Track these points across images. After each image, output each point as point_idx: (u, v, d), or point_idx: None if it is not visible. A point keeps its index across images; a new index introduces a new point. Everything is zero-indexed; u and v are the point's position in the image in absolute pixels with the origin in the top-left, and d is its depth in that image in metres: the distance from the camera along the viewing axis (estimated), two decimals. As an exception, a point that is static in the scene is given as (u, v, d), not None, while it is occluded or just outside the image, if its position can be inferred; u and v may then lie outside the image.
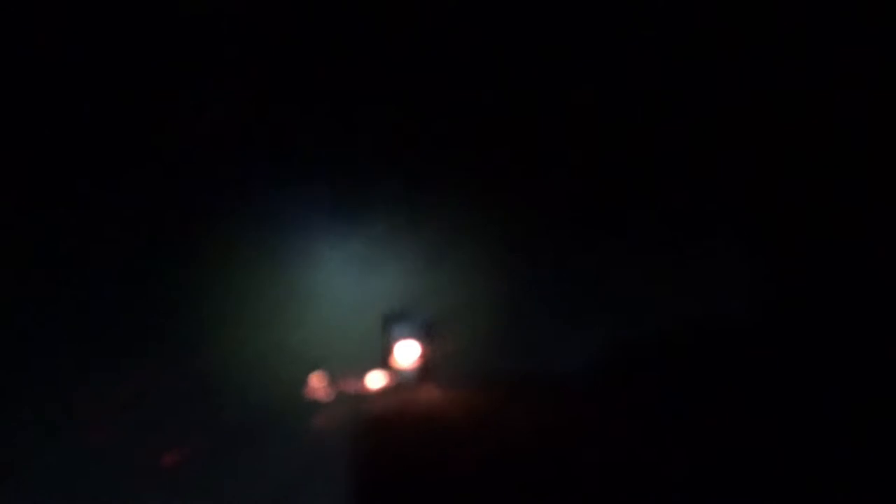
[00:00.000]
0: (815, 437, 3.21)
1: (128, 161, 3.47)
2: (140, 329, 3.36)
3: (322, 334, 3.38)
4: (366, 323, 3.39)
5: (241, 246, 3.42)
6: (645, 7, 3.44)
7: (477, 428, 3.24)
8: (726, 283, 3.40)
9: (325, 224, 3.46)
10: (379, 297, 3.42)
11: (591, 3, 3.45)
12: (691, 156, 3.44)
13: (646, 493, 3.20)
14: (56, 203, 3.43)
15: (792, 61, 3.43)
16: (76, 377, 3.31)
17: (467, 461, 3.20)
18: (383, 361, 3.37)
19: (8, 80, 3.42)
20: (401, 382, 3.36)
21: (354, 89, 3.46)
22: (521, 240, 3.45)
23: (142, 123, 3.45)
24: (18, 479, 3.19)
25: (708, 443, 3.20)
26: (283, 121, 3.48)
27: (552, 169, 3.46)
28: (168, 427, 3.27)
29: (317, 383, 3.35)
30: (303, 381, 3.35)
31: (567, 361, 3.34)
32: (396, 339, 3.36)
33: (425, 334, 3.37)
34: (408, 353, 3.36)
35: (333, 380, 3.36)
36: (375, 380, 3.36)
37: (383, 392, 3.36)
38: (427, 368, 3.35)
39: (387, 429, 3.31)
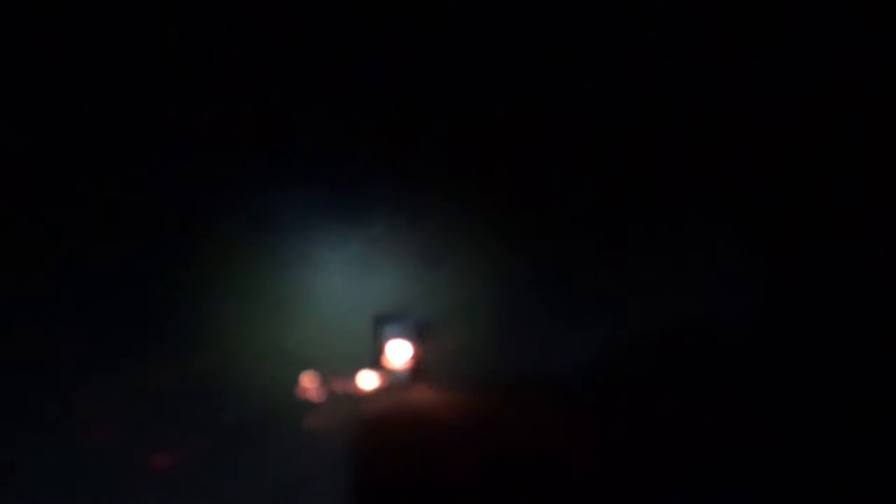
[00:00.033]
0: (815, 437, 3.21)
1: (128, 161, 3.47)
2: (140, 329, 3.36)
3: (319, 335, 3.38)
4: (362, 324, 3.39)
5: (240, 246, 3.42)
6: (645, 7, 3.44)
7: (471, 428, 3.24)
8: (726, 283, 3.40)
9: (323, 225, 3.46)
10: (378, 298, 3.42)
11: (591, 3, 3.45)
12: (691, 156, 3.44)
13: (646, 494, 3.19)
14: (56, 203, 3.44)
15: (792, 61, 3.43)
16: (76, 377, 3.31)
17: (462, 461, 3.20)
18: (375, 362, 3.37)
19: (8, 80, 3.42)
20: (393, 382, 3.36)
21: (354, 89, 3.47)
22: (519, 240, 3.45)
23: (142, 123, 3.45)
24: (18, 478, 3.19)
25: (708, 443, 3.20)
26: (282, 121, 3.48)
27: (550, 169, 3.46)
28: (168, 427, 3.27)
29: (312, 384, 3.35)
30: (299, 382, 3.35)
31: (565, 361, 3.34)
32: (388, 340, 3.36)
33: (418, 335, 3.37)
34: (400, 353, 3.36)
35: (329, 381, 3.36)
36: (368, 380, 3.36)
37: (376, 392, 3.36)
38: (419, 369, 3.36)
39: (381, 429, 3.31)
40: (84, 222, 3.42)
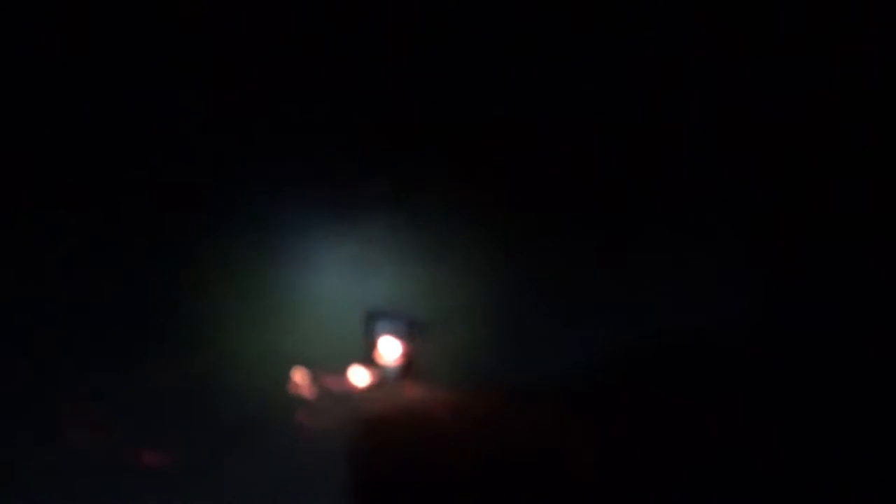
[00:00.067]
0: (815, 437, 3.21)
1: (128, 161, 3.47)
2: (140, 329, 3.37)
3: (316, 335, 3.39)
4: (359, 323, 3.40)
5: (239, 246, 3.43)
6: (645, 7, 3.44)
7: (463, 425, 3.24)
8: (725, 283, 3.40)
9: (321, 225, 3.46)
10: (377, 298, 3.42)
11: (591, 3, 3.45)
12: (691, 156, 3.44)
13: (646, 494, 3.20)
14: (56, 203, 3.44)
15: (792, 61, 3.43)
16: (76, 377, 3.31)
17: (454, 459, 3.20)
18: (368, 358, 3.37)
19: (8, 80, 3.43)
20: (385, 379, 3.37)
21: (354, 89, 3.47)
22: (517, 240, 3.45)
23: (142, 123, 3.46)
24: (17, 479, 3.19)
25: (708, 443, 3.20)
26: (282, 121, 3.48)
27: (549, 169, 3.46)
28: (167, 427, 3.27)
29: (308, 381, 3.35)
30: (294, 379, 3.35)
31: (560, 361, 3.34)
32: (380, 336, 3.36)
33: (409, 331, 3.37)
34: (392, 349, 3.36)
35: (323, 378, 3.36)
36: (361, 377, 3.37)
37: (370, 389, 3.37)
38: (411, 365, 3.36)
39: (374, 426, 3.32)
40: (84, 222, 3.42)
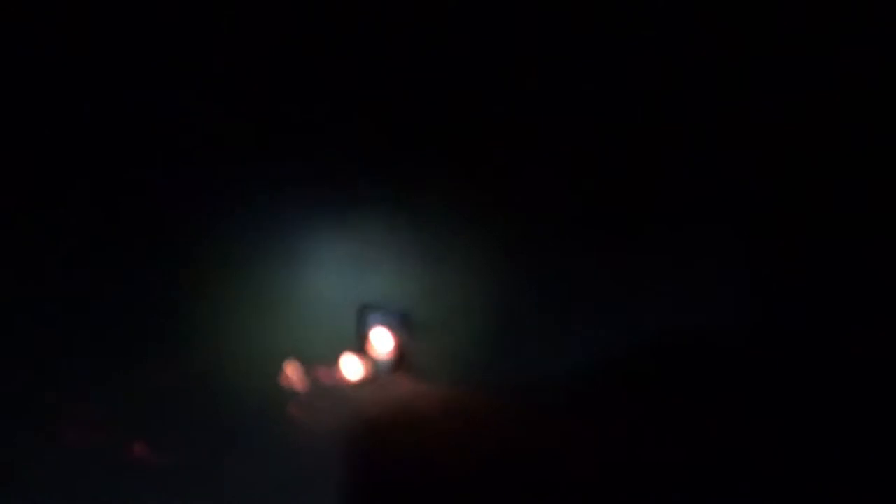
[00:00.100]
0: (814, 437, 3.21)
1: (128, 161, 3.47)
2: (139, 327, 3.37)
3: (315, 336, 3.39)
4: (357, 324, 3.41)
5: (239, 246, 3.43)
6: (645, 7, 3.44)
7: (465, 427, 3.24)
8: (725, 283, 3.40)
9: (321, 225, 3.46)
10: (377, 298, 3.43)
11: (591, 3, 3.45)
12: (691, 156, 3.44)
13: (646, 494, 3.20)
14: (56, 203, 3.44)
15: (792, 61, 3.43)
16: (76, 377, 3.31)
17: (456, 458, 3.20)
18: (359, 350, 3.38)
19: (8, 80, 3.42)
20: (378, 372, 3.37)
21: (353, 89, 3.47)
22: (516, 240, 3.45)
23: (142, 123, 3.46)
24: (17, 479, 3.19)
25: (708, 443, 3.20)
26: (281, 120, 3.48)
27: (549, 169, 3.46)
28: (167, 427, 3.27)
29: (308, 381, 3.35)
30: (294, 378, 3.36)
31: (561, 361, 3.34)
32: (372, 328, 3.37)
33: (402, 324, 3.38)
34: (384, 342, 3.37)
35: (325, 378, 3.36)
36: (352, 369, 3.37)
37: (365, 383, 3.37)
38: (403, 358, 3.37)
39: (374, 421, 3.32)
40: (84, 222, 3.42)
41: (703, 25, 3.43)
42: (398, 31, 3.44)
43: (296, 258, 3.45)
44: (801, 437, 3.21)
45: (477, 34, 3.45)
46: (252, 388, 3.30)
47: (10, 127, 3.43)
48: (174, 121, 3.44)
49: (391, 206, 3.46)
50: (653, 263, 3.42)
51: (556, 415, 3.26)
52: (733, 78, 3.43)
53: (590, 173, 3.45)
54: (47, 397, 3.28)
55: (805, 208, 3.40)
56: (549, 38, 3.46)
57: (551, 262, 3.44)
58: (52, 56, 3.43)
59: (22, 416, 3.25)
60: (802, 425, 3.23)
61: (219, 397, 3.28)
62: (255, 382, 3.31)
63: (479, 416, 3.27)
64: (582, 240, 3.45)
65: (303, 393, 3.34)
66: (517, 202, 3.46)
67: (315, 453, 3.26)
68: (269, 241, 3.45)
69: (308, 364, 3.36)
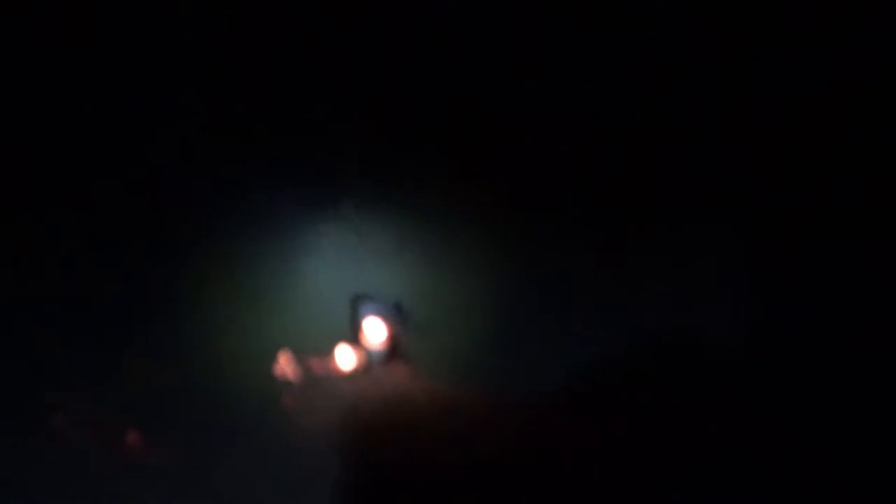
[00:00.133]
0: (814, 437, 3.21)
1: (128, 161, 3.47)
2: (141, 329, 3.37)
3: (316, 336, 3.39)
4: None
5: (239, 246, 3.43)
6: (645, 7, 3.44)
7: (465, 428, 3.25)
8: (725, 283, 3.40)
9: (321, 225, 3.46)
10: (378, 298, 3.43)
11: (590, 3, 3.45)
12: (691, 156, 3.44)
13: (646, 494, 3.20)
14: (56, 203, 3.44)
15: (792, 61, 3.43)
16: (76, 377, 3.31)
17: (449, 449, 3.21)
18: (355, 341, 3.38)
19: (8, 80, 3.43)
20: (371, 361, 3.38)
21: (353, 89, 3.47)
22: (516, 240, 3.45)
23: (142, 123, 3.46)
24: (17, 479, 3.19)
25: (708, 443, 3.20)
26: (281, 120, 3.48)
27: (548, 169, 3.46)
28: (167, 427, 3.28)
29: (302, 367, 3.36)
30: (284, 363, 3.36)
31: (561, 361, 3.34)
32: (365, 318, 3.38)
33: (395, 314, 3.39)
34: (377, 332, 3.37)
35: (313, 362, 3.37)
36: (346, 359, 3.37)
37: (355, 372, 3.37)
38: (396, 347, 3.37)
39: (367, 410, 3.32)
40: (84, 222, 3.43)
41: (703, 25, 3.43)
42: (398, 31, 3.44)
43: (295, 258, 3.45)
44: (801, 437, 3.21)
45: (477, 34, 3.45)
46: (253, 388, 3.30)
47: (10, 127, 3.43)
48: (174, 121, 3.44)
49: (391, 206, 3.46)
50: (653, 263, 3.42)
51: (555, 414, 3.26)
52: (733, 78, 3.43)
53: (590, 173, 3.45)
54: (47, 397, 3.28)
55: (805, 208, 3.40)
56: (548, 38, 3.46)
57: (551, 262, 3.44)
58: (52, 56, 3.43)
59: (22, 416, 3.25)
60: (802, 425, 3.22)
61: (219, 397, 3.28)
62: (257, 382, 3.31)
63: (478, 413, 3.27)
64: (582, 240, 3.45)
65: (297, 383, 3.35)
66: (517, 202, 3.46)
67: (313, 452, 3.26)
68: (268, 242, 3.45)
69: (302, 354, 3.36)
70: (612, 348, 3.35)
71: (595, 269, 3.42)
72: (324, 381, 3.35)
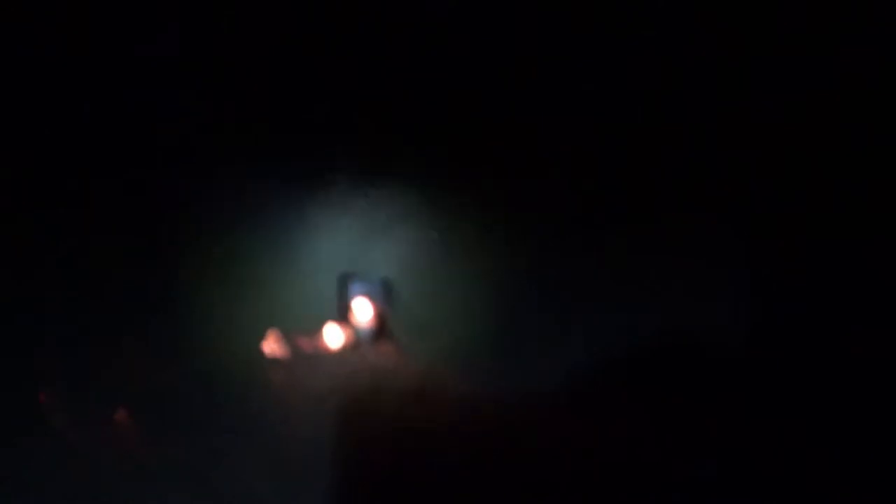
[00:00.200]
0: (814, 437, 3.21)
1: (128, 161, 3.47)
2: (140, 329, 3.37)
3: (296, 301, 3.40)
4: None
5: (239, 246, 3.43)
6: (645, 7, 3.44)
7: (472, 429, 3.25)
8: (725, 283, 3.40)
9: (321, 225, 3.46)
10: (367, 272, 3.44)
11: (590, 3, 3.45)
12: (690, 156, 3.44)
13: (646, 494, 3.20)
14: (56, 203, 3.44)
15: (792, 61, 3.43)
16: (76, 377, 3.31)
17: (438, 427, 3.21)
18: (341, 319, 3.38)
19: (8, 80, 3.43)
20: (359, 340, 3.38)
21: (353, 89, 3.47)
22: (517, 241, 3.45)
23: (142, 123, 3.46)
24: (17, 479, 3.19)
25: (708, 443, 3.20)
26: (281, 120, 3.48)
27: (548, 169, 3.46)
28: (167, 427, 3.28)
29: (286, 347, 3.36)
30: (274, 346, 3.36)
31: (561, 361, 3.34)
32: (354, 298, 3.38)
33: (383, 294, 3.39)
34: (365, 311, 3.37)
35: (303, 344, 3.37)
36: (334, 338, 3.37)
37: (347, 352, 3.38)
38: (384, 327, 3.37)
39: (355, 389, 3.33)
40: (84, 222, 3.43)
41: (703, 25, 3.43)
42: (398, 31, 3.44)
43: (294, 257, 3.45)
44: (801, 437, 3.21)
45: (477, 34, 3.45)
46: (253, 388, 3.31)
47: (10, 127, 3.43)
48: (174, 121, 3.44)
49: (391, 206, 3.47)
50: (653, 263, 3.42)
51: (555, 414, 3.26)
52: (733, 78, 3.43)
53: (590, 173, 3.45)
54: (47, 397, 3.28)
55: (805, 208, 3.40)
56: (549, 38, 3.46)
57: (551, 262, 3.44)
58: (52, 56, 3.43)
59: (22, 416, 3.25)
60: (802, 425, 3.22)
61: (219, 397, 3.28)
62: (257, 382, 3.31)
63: (483, 417, 3.27)
64: (582, 240, 3.45)
65: (285, 361, 3.34)
66: (517, 202, 3.46)
67: (312, 451, 3.26)
68: (268, 242, 3.45)
69: (289, 333, 3.36)
70: (612, 348, 3.35)
71: (595, 269, 3.42)
72: (312, 359, 3.35)
